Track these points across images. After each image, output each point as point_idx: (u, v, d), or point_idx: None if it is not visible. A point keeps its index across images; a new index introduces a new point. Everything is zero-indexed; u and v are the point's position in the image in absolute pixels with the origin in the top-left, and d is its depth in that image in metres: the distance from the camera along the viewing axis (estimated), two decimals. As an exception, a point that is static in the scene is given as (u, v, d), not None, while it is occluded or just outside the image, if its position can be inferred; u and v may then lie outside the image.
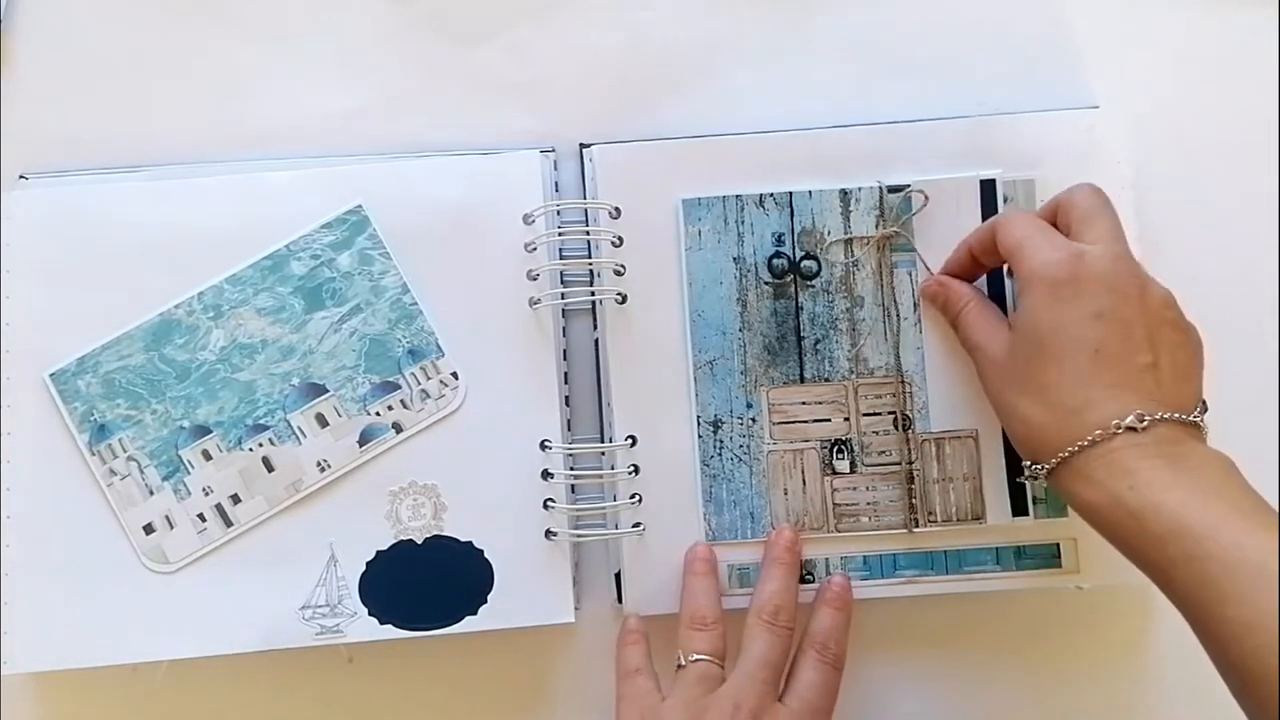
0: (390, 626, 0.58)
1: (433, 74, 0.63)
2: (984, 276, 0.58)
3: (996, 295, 0.58)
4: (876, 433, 0.59)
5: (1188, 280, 0.61)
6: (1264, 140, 0.62)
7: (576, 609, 0.59)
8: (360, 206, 0.59)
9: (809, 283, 0.59)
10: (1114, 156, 0.59)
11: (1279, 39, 0.63)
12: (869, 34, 0.63)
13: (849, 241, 0.59)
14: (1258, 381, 0.62)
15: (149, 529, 0.57)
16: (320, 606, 0.57)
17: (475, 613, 0.58)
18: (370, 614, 0.58)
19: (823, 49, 0.63)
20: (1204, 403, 0.50)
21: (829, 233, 0.59)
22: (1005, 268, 0.57)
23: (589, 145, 0.61)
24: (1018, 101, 0.61)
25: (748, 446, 0.59)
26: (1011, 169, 0.58)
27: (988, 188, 0.59)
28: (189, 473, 0.58)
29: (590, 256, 0.60)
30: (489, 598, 0.58)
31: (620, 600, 0.59)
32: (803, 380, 0.59)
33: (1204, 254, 0.61)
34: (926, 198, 0.58)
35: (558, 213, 0.60)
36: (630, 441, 0.59)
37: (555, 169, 0.62)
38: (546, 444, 0.59)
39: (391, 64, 0.63)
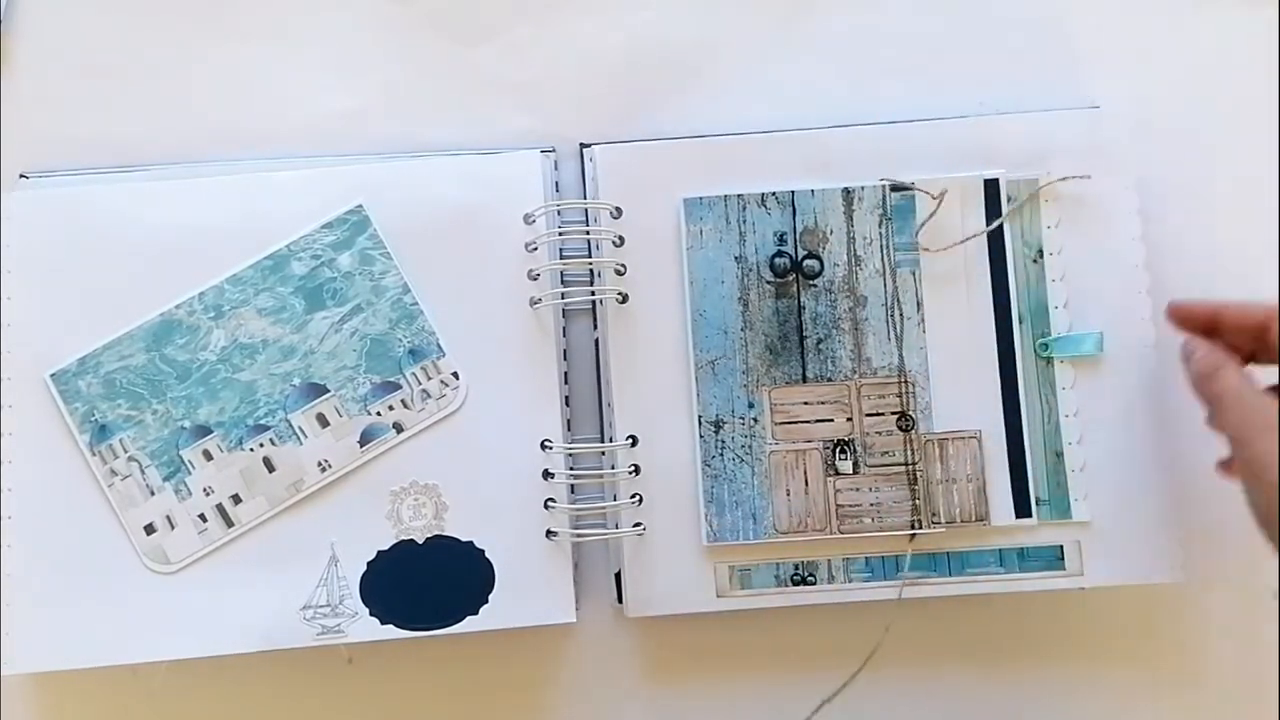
0: (391, 627, 0.58)
1: (433, 74, 0.63)
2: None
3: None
4: (879, 433, 0.58)
5: (1189, 279, 0.60)
6: (1265, 140, 0.62)
7: (576, 609, 0.58)
8: (361, 206, 0.59)
9: (811, 282, 0.59)
10: (1117, 157, 0.59)
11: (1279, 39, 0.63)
12: (868, 34, 0.63)
13: (852, 240, 0.59)
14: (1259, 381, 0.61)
15: (150, 529, 0.57)
16: (321, 607, 0.57)
17: (476, 612, 0.58)
18: (371, 614, 0.57)
19: (822, 49, 0.63)
20: None
21: (831, 231, 0.59)
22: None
23: (589, 145, 0.60)
24: (1019, 101, 0.61)
25: (749, 447, 0.58)
26: (1014, 168, 0.58)
27: (991, 187, 0.59)
28: (190, 473, 0.58)
29: (590, 256, 0.60)
30: (490, 597, 0.58)
31: (620, 600, 0.59)
32: (805, 380, 0.59)
33: (1205, 253, 0.61)
34: (940, 197, 0.58)
35: (558, 213, 0.60)
36: (631, 441, 0.59)
37: (555, 169, 0.61)
38: (547, 444, 0.58)
39: (391, 64, 0.63)
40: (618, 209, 0.59)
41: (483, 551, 0.58)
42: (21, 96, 0.62)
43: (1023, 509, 0.58)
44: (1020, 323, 0.58)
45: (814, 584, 0.58)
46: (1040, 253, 0.59)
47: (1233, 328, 0.53)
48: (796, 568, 0.58)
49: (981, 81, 0.61)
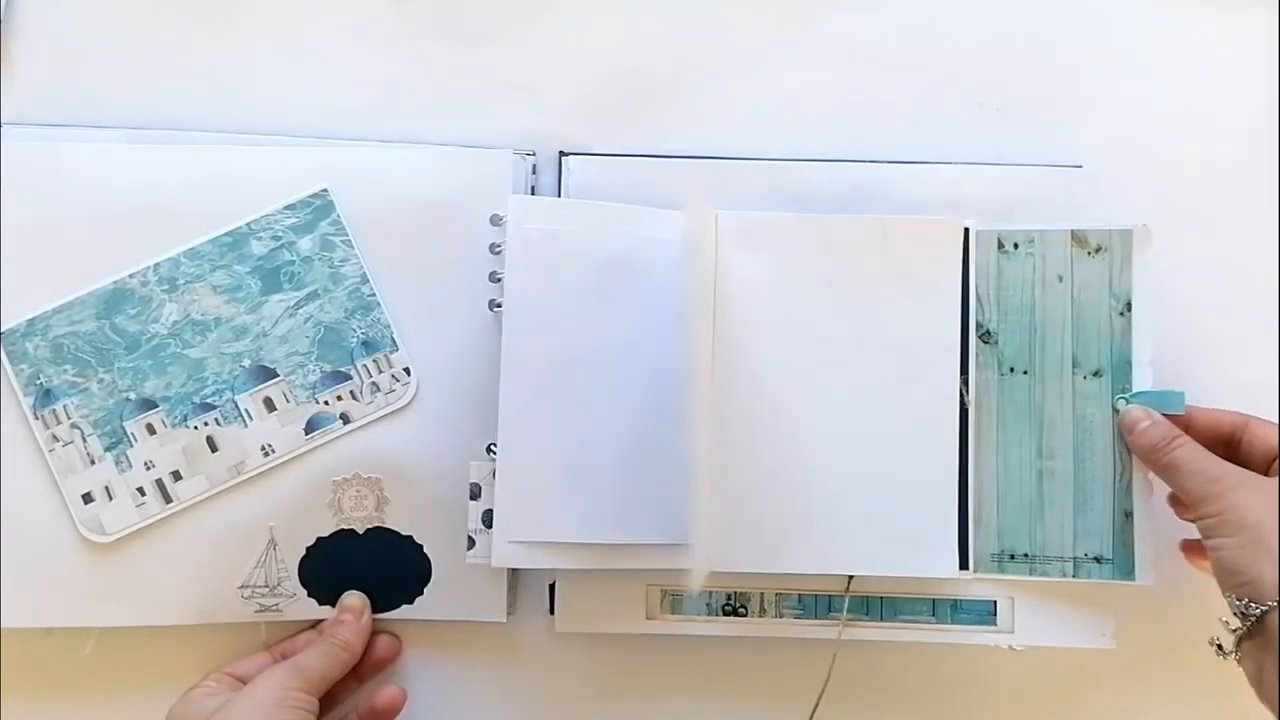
0: (329, 608, 0.58)
1: (429, 73, 0.61)
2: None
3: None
4: (827, 471, 0.58)
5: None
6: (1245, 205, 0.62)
7: (511, 612, 0.59)
8: (326, 190, 0.58)
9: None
10: (1088, 216, 0.58)
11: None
12: (862, 76, 0.62)
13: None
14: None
15: (88, 498, 0.57)
16: (260, 586, 0.57)
17: (411, 602, 0.58)
18: (310, 595, 0.58)
19: (832, 57, 0.62)
20: None
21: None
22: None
23: (568, 154, 0.59)
24: (1001, 154, 0.60)
25: (696, 473, 0.58)
26: (985, 219, 0.57)
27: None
28: (132, 445, 0.57)
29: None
30: (426, 590, 0.58)
31: (552, 612, 0.59)
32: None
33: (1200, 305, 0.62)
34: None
35: (526, 217, 0.59)
36: (580, 453, 0.58)
37: (534, 173, 0.60)
38: (493, 449, 0.58)
39: (388, 63, 0.62)
40: (588, 219, 0.58)
41: (421, 547, 0.58)
42: (21, 95, 0.61)
43: (962, 561, 0.57)
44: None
45: (745, 615, 0.58)
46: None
47: (1202, 436, 0.54)
48: (729, 598, 0.58)
49: (964, 130, 0.61)
